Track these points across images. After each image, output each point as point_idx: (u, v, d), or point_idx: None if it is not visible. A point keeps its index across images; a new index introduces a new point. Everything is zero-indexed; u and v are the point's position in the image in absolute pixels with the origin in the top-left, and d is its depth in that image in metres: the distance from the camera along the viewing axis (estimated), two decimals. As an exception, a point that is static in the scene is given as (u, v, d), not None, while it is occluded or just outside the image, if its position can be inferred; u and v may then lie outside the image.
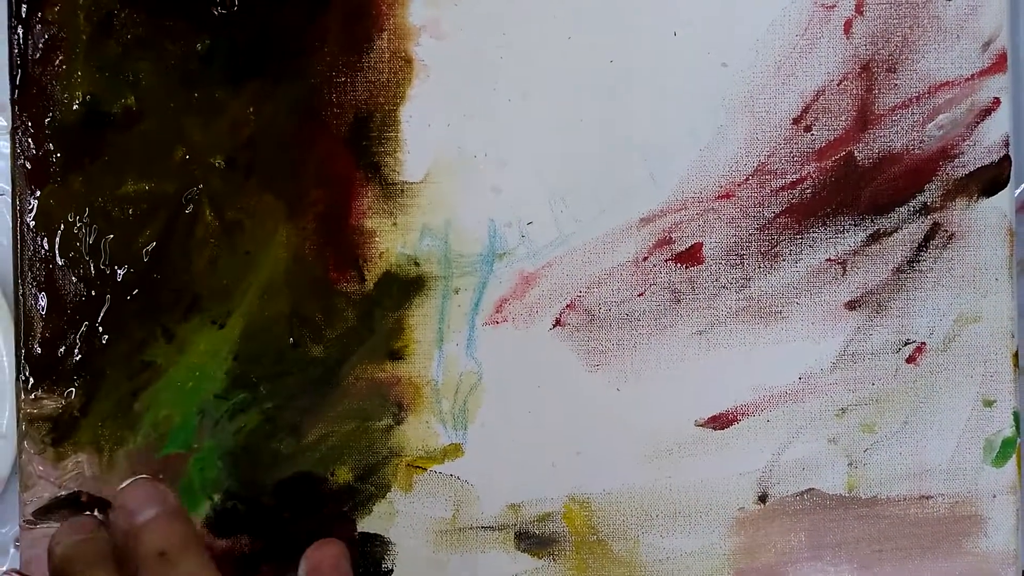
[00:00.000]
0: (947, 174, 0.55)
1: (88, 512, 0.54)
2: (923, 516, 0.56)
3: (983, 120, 0.55)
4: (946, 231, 0.55)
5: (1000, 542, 0.56)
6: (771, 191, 0.55)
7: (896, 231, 0.55)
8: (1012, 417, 0.56)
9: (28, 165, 0.54)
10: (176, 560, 0.49)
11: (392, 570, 0.55)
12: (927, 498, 0.56)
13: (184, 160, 0.54)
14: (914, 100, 0.55)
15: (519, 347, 0.55)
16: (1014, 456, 0.56)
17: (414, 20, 0.55)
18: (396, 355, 0.55)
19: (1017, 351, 0.56)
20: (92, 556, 0.49)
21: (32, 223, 0.54)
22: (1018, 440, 0.56)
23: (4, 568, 0.56)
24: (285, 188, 0.54)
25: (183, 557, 0.49)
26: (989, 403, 0.56)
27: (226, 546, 0.55)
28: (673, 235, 0.55)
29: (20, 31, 0.54)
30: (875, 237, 0.55)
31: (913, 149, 0.55)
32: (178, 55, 0.54)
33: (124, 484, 0.51)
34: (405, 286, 0.55)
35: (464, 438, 0.55)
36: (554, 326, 0.55)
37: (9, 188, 0.55)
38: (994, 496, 0.56)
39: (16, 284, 0.54)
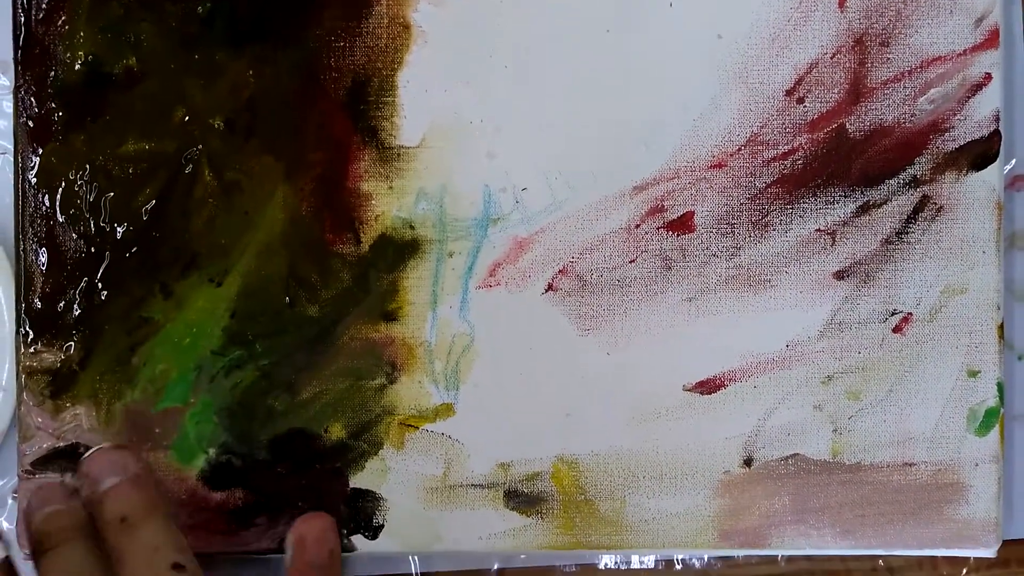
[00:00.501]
0: (937, 148, 0.56)
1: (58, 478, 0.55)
2: (906, 483, 0.57)
3: (974, 95, 0.56)
4: (935, 204, 0.56)
5: (981, 510, 0.57)
6: (763, 161, 0.56)
7: (886, 203, 0.56)
8: (996, 387, 0.57)
9: (31, 123, 0.55)
10: (137, 525, 0.50)
11: (383, 525, 0.56)
12: (910, 465, 0.57)
13: (184, 121, 0.55)
14: (906, 74, 0.56)
15: (511, 311, 0.56)
16: (997, 426, 0.57)
17: (413, -14, 0.55)
18: (390, 316, 0.56)
19: (1003, 323, 0.57)
20: (68, 526, 0.51)
21: (34, 180, 0.55)
22: (1001, 410, 0.57)
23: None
24: (283, 150, 0.55)
25: (145, 523, 0.50)
26: (974, 373, 0.57)
27: (221, 499, 0.56)
28: (665, 203, 0.56)
29: (24, -10, 0.55)
30: (865, 208, 0.56)
31: (904, 122, 0.56)
32: (179, 17, 0.55)
33: (88, 453, 0.52)
34: (400, 249, 0.56)
35: (456, 398, 0.56)
36: (546, 291, 0.56)
37: (11, 147, 0.55)
38: (976, 465, 0.57)
39: (17, 240, 0.55)
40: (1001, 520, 0.57)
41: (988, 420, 0.57)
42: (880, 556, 0.59)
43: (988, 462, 0.57)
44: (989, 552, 0.57)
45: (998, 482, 0.57)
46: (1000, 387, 0.57)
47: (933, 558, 0.59)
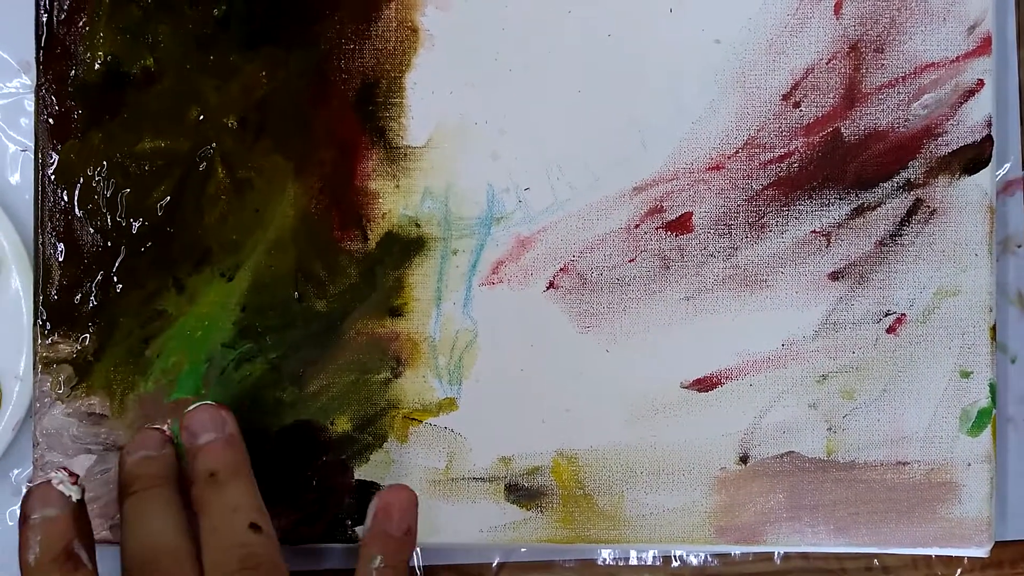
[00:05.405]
0: (931, 152, 0.57)
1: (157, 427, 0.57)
2: (899, 481, 0.58)
3: (967, 101, 0.57)
4: (928, 207, 0.57)
5: (974, 509, 0.58)
6: (759, 164, 0.57)
7: (880, 206, 0.57)
8: (988, 388, 0.58)
9: (51, 121, 0.56)
10: (224, 482, 0.53)
11: (386, 517, 0.57)
12: (904, 464, 0.58)
13: (199, 120, 0.57)
14: (900, 80, 0.57)
15: (513, 307, 0.57)
16: (989, 426, 0.58)
17: (421, -9, 0.57)
18: (396, 312, 0.57)
19: (995, 325, 0.58)
20: (156, 473, 0.53)
21: (53, 176, 0.56)
22: (994, 411, 0.58)
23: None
24: (294, 149, 0.57)
25: (231, 482, 0.53)
26: (966, 374, 0.58)
27: (229, 489, 0.57)
28: (664, 204, 0.57)
29: (47, -7, 0.57)
30: (859, 211, 0.57)
31: (898, 127, 0.57)
32: (196, 19, 0.57)
33: (191, 407, 0.55)
34: (406, 246, 0.57)
35: (458, 393, 0.57)
36: (547, 288, 0.57)
37: (32, 144, 0.57)
38: (969, 464, 0.58)
39: (36, 234, 0.57)
40: (994, 520, 0.58)
41: (980, 420, 0.58)
42: (875, 555, 0.60)
43: (980, 462, 0.58)
44: (982, 552, 0.58)
45: (990, 482, 0.58)
46: (992, 388, 0.58)
47: (928, 558, 0.60)
